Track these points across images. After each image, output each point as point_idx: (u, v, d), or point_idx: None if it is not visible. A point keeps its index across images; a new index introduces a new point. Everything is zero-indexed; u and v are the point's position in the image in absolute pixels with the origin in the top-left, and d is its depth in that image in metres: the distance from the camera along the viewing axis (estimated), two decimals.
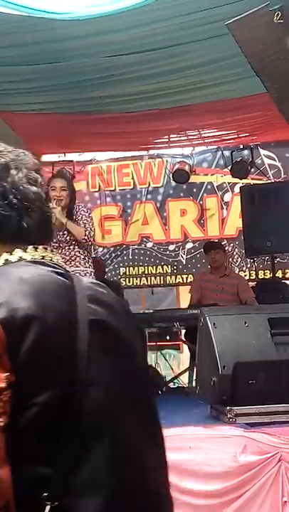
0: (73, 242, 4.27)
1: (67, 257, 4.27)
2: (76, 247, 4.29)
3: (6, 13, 3.78)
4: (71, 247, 4.28)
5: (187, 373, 5.72)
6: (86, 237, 4.24)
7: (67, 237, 4.26)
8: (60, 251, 4.27)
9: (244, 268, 6.73)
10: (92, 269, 4.43)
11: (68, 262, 4.26)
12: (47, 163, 7.13)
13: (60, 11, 3.84)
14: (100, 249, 6.87)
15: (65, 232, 4.26)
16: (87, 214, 4.37)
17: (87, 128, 6.14)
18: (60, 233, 4.25)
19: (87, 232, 4.25)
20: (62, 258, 4.22)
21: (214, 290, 5.49)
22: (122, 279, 6.85)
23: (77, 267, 4.29)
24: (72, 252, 4.29)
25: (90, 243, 4.30)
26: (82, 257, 4.32)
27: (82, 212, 4.35)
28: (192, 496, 2.86)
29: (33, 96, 5.41)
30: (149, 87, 5.25)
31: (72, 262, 4.28)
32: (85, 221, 4.30)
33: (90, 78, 5.07)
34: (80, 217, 4.31)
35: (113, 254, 6.92)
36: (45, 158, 7.25)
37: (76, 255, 4.30)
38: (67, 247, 4.28)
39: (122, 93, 5.38)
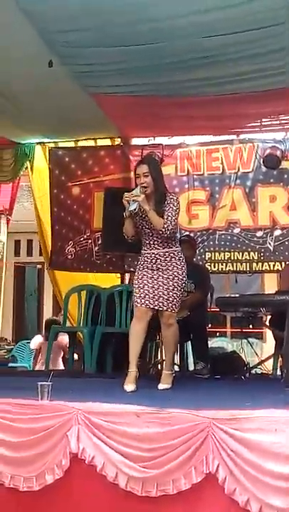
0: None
1: (160, 240, 4.32)
2: None
3: None
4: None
5: (271, 361, 5.65)
6: (163, 229, 4.25)
7: (151, 224, 4.31)
8: (152, 233, 4.34)
9: None
10: (180, 248, 4.46)
11: (161, 244, 4.33)
12: (136, 147, 7.21)
13: None
14: (186, 233, 6.86)
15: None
16: (173, 207, 4.30)
17: (177, 111, 6.13)
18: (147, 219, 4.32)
19: (165, 226, 4.24)
20: (155, 241, 4.32)
21: None
22: (207, 264, 6.81)
23: (170, 248, 4.36)
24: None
25: (166, 235, 4.27)
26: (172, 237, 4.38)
27: (170, 201, 4.32)
28: (276, 479, 2.82)
29: (124, 78, 5.46)
30: (242, 68, 5.18)
31: (165, 244, 4.33)
32: (169, 213, 4.27)
33: (182, 60, 5.04)
34: (166, 208, 4.29)
35: (199, 239, 6.88)
36: (135, 141, 7.32)
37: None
38: (155, 233, 4.33)
39: (214, 75, 5.33)
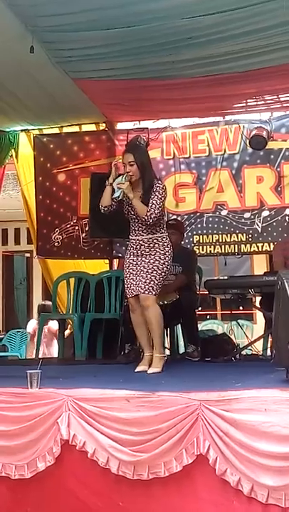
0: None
1: (144, 226, 4.40)
2: None
3: None
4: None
5: (261, 342, 5.66)
6: (146, 217, 4.32)
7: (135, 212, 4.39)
8: (137, 220, 4.42)
9: None
10: (166, 233, 4.53)
11: (145, 230, 4.41)
12: (122, 131, 7.15)
13: None
14: (174, 217, 6.83)
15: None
16: (159, 195, 4.36)
17: (162, 94, 6.08)
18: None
19: (148, 213, 4.31)
20: (140, 227, 4.34)
21: None
22: (195, 247, 6.78)
23: (154, 234, 4.43)
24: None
25: (148, 223, 4.34)
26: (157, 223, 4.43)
27: (156, 189, 4.38)
28: (267, 458, 2.83)
29: (108, 62, 5.40)
30: (226, 49, 5.12)
31: (149, 230, 4.41)
32: (153, 201, 4.34)
33: (166, 41, 4.99)
34: (152, 196, 4.35)
35: (187, 222, 6.85)
36: (120, 126, 7.26)
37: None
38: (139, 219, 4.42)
39: (198, 56, 5.27)
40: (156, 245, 4.41)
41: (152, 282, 4.32)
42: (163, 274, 4.39)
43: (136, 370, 4.31)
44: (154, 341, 4.42)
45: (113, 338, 5.61)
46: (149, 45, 5.05)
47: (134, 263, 4.44)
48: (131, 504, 3.06)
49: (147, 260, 4.39)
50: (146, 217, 4.32)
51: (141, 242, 4.43)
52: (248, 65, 5.34)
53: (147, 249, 4.41)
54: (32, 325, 8.22)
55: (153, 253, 4.40)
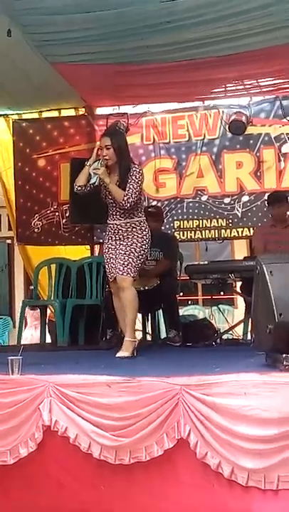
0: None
1: (122, 210, 4.40)
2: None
3: None
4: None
5: (242, 326, 5.71)
6: (123, 202, 4.33)
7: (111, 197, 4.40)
8: (115, 204, 4.42)
9: None
10: (144, 218, 4.53)
11: (123, 215, 4.41)
12: (101, 117, 7.11)
13: None
14: (154, 202, 6.83)
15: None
16: (136, 179, 4.36)
17: (141, 79, 6.04)
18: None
19: (126, 198, 4.31)
20: (117, 212, 4.34)
21: (278, 242, 5.39)
22: (176, 233, 6.80)
23: (131, 218, 4.43)
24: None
25: (126, 207, 4.35)
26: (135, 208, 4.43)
27: (133, 173, 4.38)
28: (247, 441, 2.87)
29: (86, 46, 5.34)
30: (205, 33, 5.09)
31: (127, 214, 4.41)
32: (130, 185, 4.34)
33: (145, 25, 4.95)
34: (129, 180, 4.35)
35: (167, 208, 6.85)
36: (100, 111, 7.22)
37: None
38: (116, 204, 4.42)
39: (177, 41, 5.23)
40: (134, 229, 4.43)
41: (130, 264, 4.33)
42: (140, 257, 4.40)
43: (117, 356, 4.32)
44: (127, 324, 4.39)
45: (95, 324, 5.62)
46: (127, 29, 4.99)
47: (113, 247, 4.45)
48: (113, 488, 3.09)
49: (125, 243, 4.41)
50: (123, 202, 4.32)
51: (119, 227, 4.44)
52: (226, 49, 5.32)
53: (125, 234, 4.42)
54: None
55: (131, 237, 4.42)
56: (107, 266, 4.49)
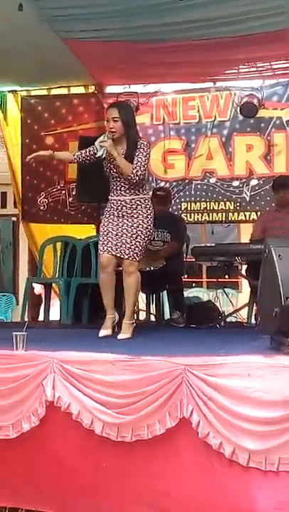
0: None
1: (127, 186, 4.29)
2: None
3: None
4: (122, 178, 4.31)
5: (246, 310, 5.71)
6: (132, 175, 4.21)
7: (119, 169, 4.26)
8: (120, 179, 4.30)
9: None
10: (149, 195, 4.46)
11: (128, 190, 4.30)
12: (111, 95, 7.05)
13: None
14: (162, 183, 6.80)
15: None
16: (144, 152, 4.25)
17: (153, 57, 5.98)
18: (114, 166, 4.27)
19: (134, 171, 4.20)
20: (122, 187, 4.27)
21: (281, 228, 5.37)
22: (183, 215, 6.78)
23: (137, 194, 4.33)
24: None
25: (134, 181, 4.23)
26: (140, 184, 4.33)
27: (140, 147, 4.27)
28: (249, 423, 2.88)
29: (97, 22, 5.27)
30: (219, 13, 5.03)
31: (132, 191, 4.30)
32: (138, 158, 4.22)
33: (158, 3, 4.89)
34: (136, 153, 4.24)
35: (175, 189, 6.83)
36: (110, 89, 7.16)
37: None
38: (122, 178, 4.30)
39: (189, 19, 5.17)
40: (139, 207, 4.30)
41: (137, 248, 4.25)
42: (146, 238, 4.31)
43: (100, 335, 4.22)
44: (127, 308, 4.33)
45: (98, 303, 5.61)
46: (141, 7, 4.94)
47: (115, 223, 4.30)
48: (114, 465, 3.10)
49: (130, 223, 4.28)
50: (132, 175, 4.19)
51: (123, 203, 4.30)
52: (240, 30, 5.25)
53: (129, 211, 4.29)
54: (37, 287, 8.18)
55: (136, 216, 4.29)
56: (102, 237, 4.30)
